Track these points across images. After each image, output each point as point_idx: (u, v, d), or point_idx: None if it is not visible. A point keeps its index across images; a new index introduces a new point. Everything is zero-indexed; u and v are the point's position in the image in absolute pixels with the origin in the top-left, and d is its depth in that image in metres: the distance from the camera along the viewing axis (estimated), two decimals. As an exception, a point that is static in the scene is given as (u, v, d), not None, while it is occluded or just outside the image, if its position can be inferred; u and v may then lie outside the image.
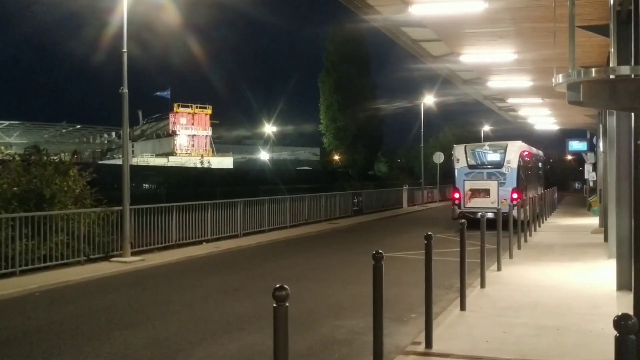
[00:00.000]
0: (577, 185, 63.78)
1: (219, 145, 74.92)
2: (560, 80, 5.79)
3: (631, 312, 3.52)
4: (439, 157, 38.56)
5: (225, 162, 63.73)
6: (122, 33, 13.88)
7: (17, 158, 14.09)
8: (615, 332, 2.84)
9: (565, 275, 10.87)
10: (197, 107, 72.84)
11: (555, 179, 50.22)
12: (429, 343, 6.32)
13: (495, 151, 21.21)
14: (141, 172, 38.08)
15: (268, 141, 69.58)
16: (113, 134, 79.94)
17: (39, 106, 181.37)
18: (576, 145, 31.32)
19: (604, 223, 16.25)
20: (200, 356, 6.62)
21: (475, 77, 17.99)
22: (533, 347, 6.39)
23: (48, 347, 6.98)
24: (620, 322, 2.82)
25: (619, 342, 2.82)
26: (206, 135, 73.09)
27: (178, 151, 69.73)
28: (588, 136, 31.05)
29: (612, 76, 5.59)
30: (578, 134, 34.09)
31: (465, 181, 20.97)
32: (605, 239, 14.16)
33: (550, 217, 25.09)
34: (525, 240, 15.75)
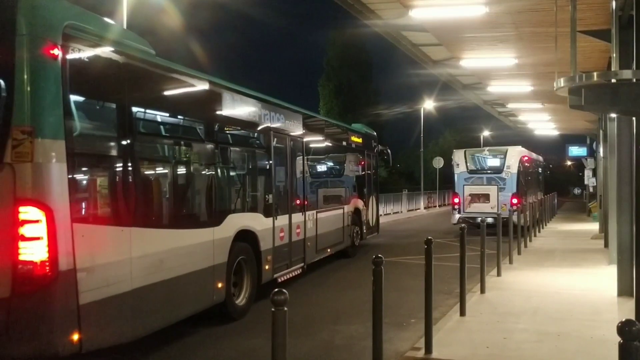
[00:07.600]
0: (576, 190, 63.76)
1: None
2: (562, 85, 5.78)
3: (633, 318, 3.47)
4: (438, 162, 38.54)
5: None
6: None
7: None
8: (618, 339, 2.80)
9: (565, 281, 10.81)
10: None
11: (555, 184, 50.20)
12: (428, 348, 6.26)
13: (495, 156, 21.18)
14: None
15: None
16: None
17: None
18: (576, 150, 31.36)
19: (604, 229, 16.21)
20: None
21: (476, 82, 17.99)
22: (533, 353, 6.34)
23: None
24: (624, 328, 2.78)
25: (623, 349, 2.78)
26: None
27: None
28: (588, 142, 31.07)
29: (613, 80, 5.57)
30: (578, 140, 34.13)
31: (465, 186, 20.93)
32: (606, 245, 14.11)
33: (550, 223, 25.04)
34: (525, 246, 15.69)
